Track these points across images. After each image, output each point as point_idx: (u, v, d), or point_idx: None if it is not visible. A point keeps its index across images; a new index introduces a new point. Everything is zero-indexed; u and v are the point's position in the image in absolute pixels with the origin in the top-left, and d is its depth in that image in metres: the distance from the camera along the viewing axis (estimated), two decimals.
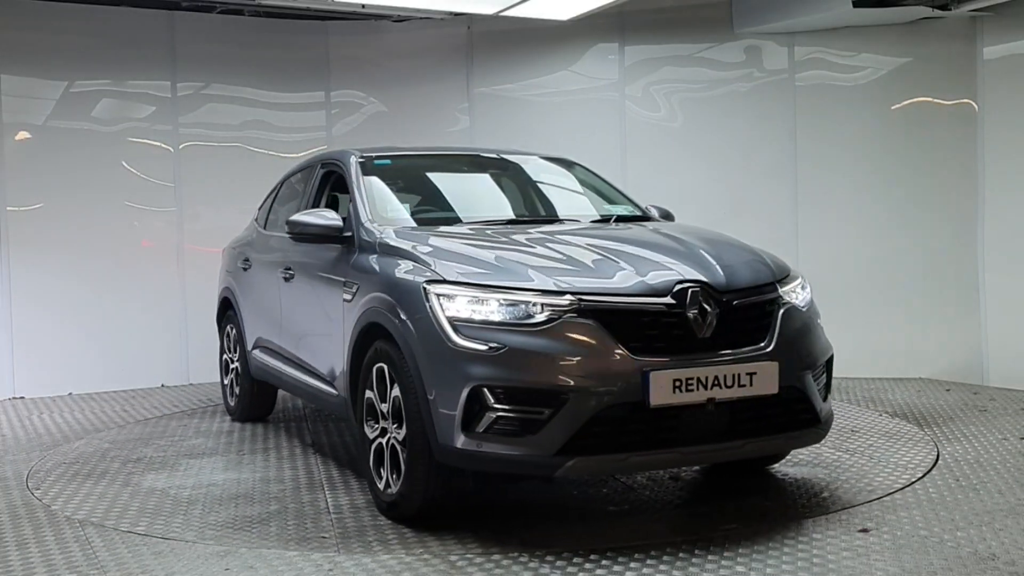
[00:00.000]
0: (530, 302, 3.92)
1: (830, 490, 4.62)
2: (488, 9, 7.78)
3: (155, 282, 8.41)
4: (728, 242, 4.71)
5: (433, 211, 5.36)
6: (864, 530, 4.02)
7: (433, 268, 4.21)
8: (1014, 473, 4.87)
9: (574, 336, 3.85)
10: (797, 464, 5.12)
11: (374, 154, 5.69)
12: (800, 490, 4.65)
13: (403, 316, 4.16)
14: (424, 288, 4.10)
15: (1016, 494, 4.51)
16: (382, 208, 5.13)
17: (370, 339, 4.47)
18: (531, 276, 4.04)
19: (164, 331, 8.43)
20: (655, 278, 4.04)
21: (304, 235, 5.10)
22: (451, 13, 8.51)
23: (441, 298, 4.03)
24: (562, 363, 3.80)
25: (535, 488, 4.82)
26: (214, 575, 3.72)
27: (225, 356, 7.06)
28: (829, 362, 4.46)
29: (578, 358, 3.81)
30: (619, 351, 3.83)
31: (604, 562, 3.71)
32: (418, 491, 4.16)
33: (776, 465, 5.09)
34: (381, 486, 4.39)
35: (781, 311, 4.20)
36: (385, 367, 4.31)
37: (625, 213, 5.46)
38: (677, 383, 3.82)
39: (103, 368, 8.18)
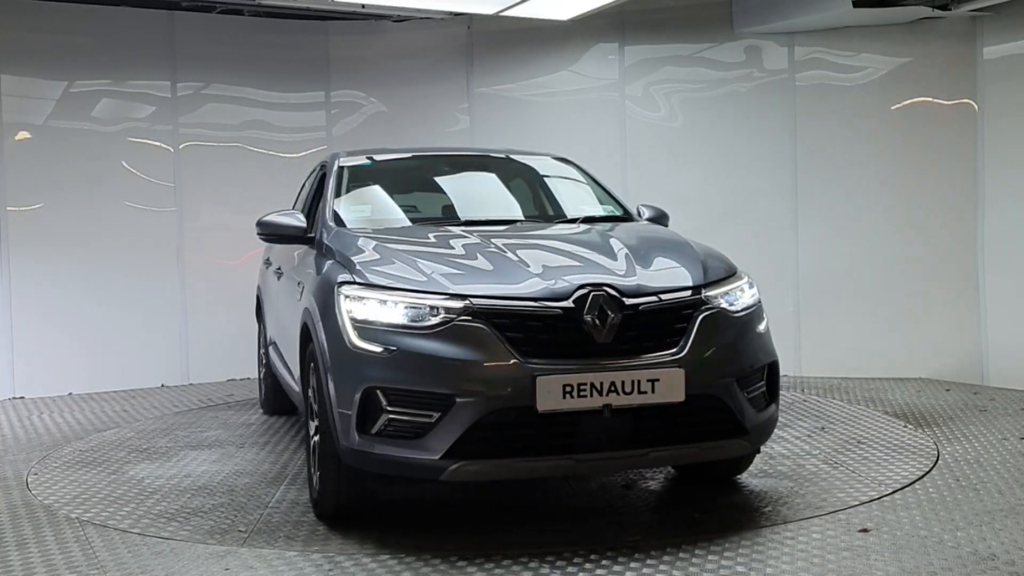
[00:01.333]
0: (425, 305, 3.93)
1: (830, 490, 4.61)
2: (488, 9, 7.78)
3: (155, 282, 8.41)
4: (669, 245, 4.63)
5: (394, 212, 5.36)
6: (864, 530, 4.02)
7: (348, 269, 4.26)
8: (1014, 473, 4.87)
9: (464, 340, 3.83)
10: (797, 463, 5.12)
11: (361, 155, 5.79)
12: (800, 490, 4.65)
13: (319, 316, 4.23)
14: (336, 289, 4.16)
15: (1016, 494, 4.51)
16: (345, 209, 5.18)
17: (307, 339, 4.50)
18: (435, 279, 4.03)
19: (164, 331, 8.43)
20: (559, 282, 3.96)
21: (271, 236, 5.13)
22: (451, 13, 8.50)
23: (348, 299, 4.08)
24: (449, 367, 3.80)
25: (497, 490, 4.82)
26: (214, 575, 3.72)
27: (261, 351, 7.17)
28: (769, 369, 4.28)
29: (466, 362, 3.80)
30: (509, 355, 3.79)
31: (604, 561, 3.71)
32: (330, 490, 4.24)
33: (776, 464, 5.09)
34: (313, 483, 4.48)
35: (701, 316, 4.03)
36: (311, 367, 4.40)
37: (600, 213, 5.37)
38: (568, 388, 3.75)
39: (103, 368, 8.18)
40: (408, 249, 4.42)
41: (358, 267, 4.24)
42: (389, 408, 3.85)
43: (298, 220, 5.06)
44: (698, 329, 4.00)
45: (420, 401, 3.81)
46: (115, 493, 4.95)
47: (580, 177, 5.82)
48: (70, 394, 8.05)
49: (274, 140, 8.93)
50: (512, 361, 3.78)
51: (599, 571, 3.63)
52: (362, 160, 5.77)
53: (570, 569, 3.65)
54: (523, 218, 5.34)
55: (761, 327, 4.33)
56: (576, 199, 5.65)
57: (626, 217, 5.34)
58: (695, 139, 8.36)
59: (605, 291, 3.93)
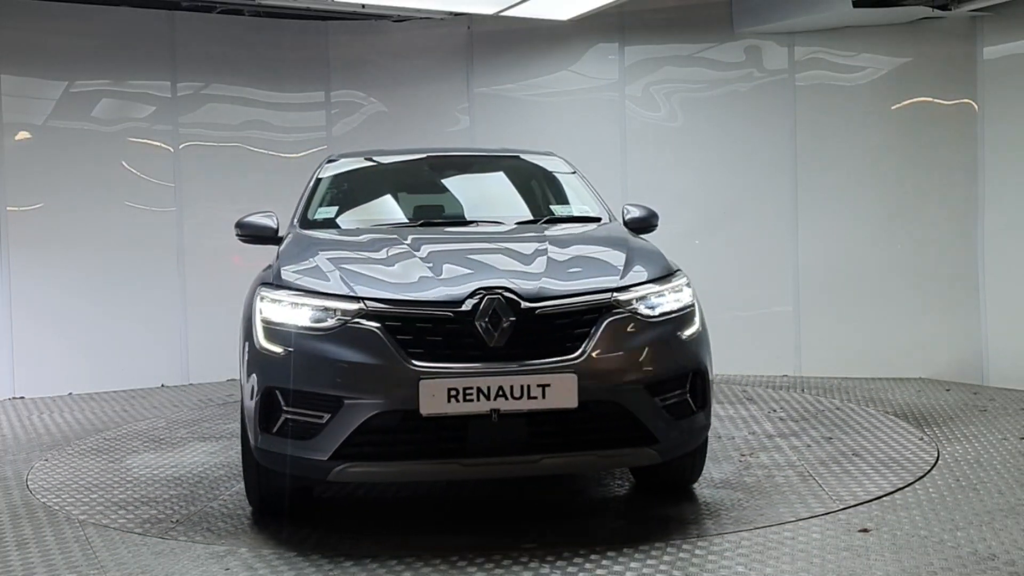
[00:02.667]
0: (323, 307, 3.97)
1: (830, 490, 4.61)
2: (488, 9, 7.78)
3: (155, 282, 8.41)
4: (603, 248, 4.55)
5: (357, 214, 5.39)
6: (864, 530, 4.02)
7: (274, 271, 4.33)
8: (1014, 473, 4.87)
9: (355, 342, 3.85)
10: (797, 463, 5.12)
11: (355, 156, 5.88)
12: (800, 490, 4.65)
13: (244, 317, 4.38)
14: (256, 290, 4.27)
15: (1016, 494, 4.51)
16: (313, 210, 5.27)
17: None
18: (339, 282, 4.05)
19: (164, 331, 8.43)
20: (456, 286, 3.94)
21: (247, 236, 5.18)
22: (451, 13, 8.51)
23: (262, 301, 4.16)
24: (339, 369, 3.84)
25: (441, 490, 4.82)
26: (214, 575, 3.72)
27: None
28: (694, 377, 4.15)
29: (355, 364, 3.82)
30: (397, 358, 3.79)
31: (604, 561, 3.71)
32: (252, 485, 4.38)
33: (777, 464, 5.09)
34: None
35: (607, 321, 3.94)
36: None
37: (572, 213, 5.31)
38: (453, 392, 3.73)
39: (103, 368, 8.18)
40: (336, 252, 4.47)
41: (279, 270, 4.31)
42: (286, 408, 3.91)
43: (271, 221, 5.10)
44: (601, 334, 3.91)
45: (312, 402, 3.85)
46: (115, 493, 4.95)
47: (565, 176, 5.74)
48: (70, 394, 8.05)
49: (274, 140, 8.93)
50: (398, 364, 3.78)
51: (599, 571, 3.63)
52: (349, 161, 5.84)
53: (570, 569, 3.65)
54: (485, 219, 5.21)
55: (688, 332, 4.19)
56: (550, 199, 5.62)
57: (598, 218, 5.23)
58: (695, 139, 8.37)
59: (500, 295, 3.87)
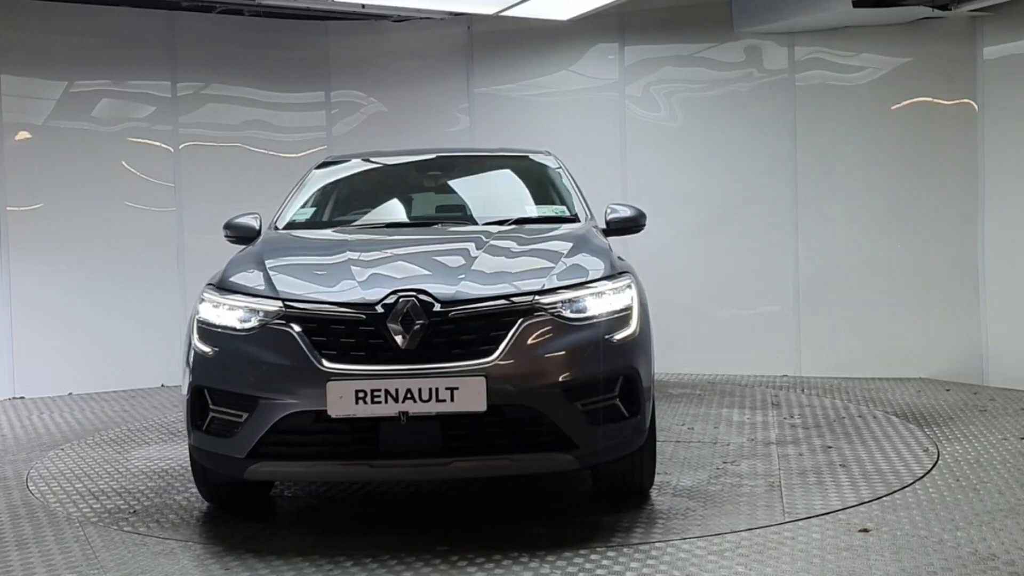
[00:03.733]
0: (249, 308, 4.05)
1: (789, 504, 4.58)
2: (488, 9, 7.78)
3: (155, 282, 8.41)
4: (545, 248, 4.48)
5: (328, 215, 5.44)
6: (864, 530, 4.01)
7: (220, 272, 4.42)
8: (1014, 473, 4.87)
9: (272, 343, 3.92)
10: (774, 473, 5.12)
11: (350, 157, 5.98)
12: (757, 501, 4.65)
13: (190, 317, 4.40)
14: (202, 289, 4.34)
15: (1016, 494, 4.51)
16: (290, 212, 5.37)
17: None
18: (267, 284, 4.12)
19: (164, 331, 8.42)
20: (372, 288, 3.95)
21: (234, 237, 5.26)
22: (451, 13, 8.51)
23: (204, 301, 4.23)
24: (256, 369, 3.91)
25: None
26: (214, 575, 3.72)
27: None
28: (625, 381, 4.05)
29: (270, 365, 3.89)
30: (309, 359, 3.82)
31: (604, 561, 3.71)
32: (199, 479, 4.49)
33: (754, 473, 5.08)
34: None
35: (525, 323, 3.89)
36: None
37: (546, 214, 5.27)
38: (361, 394, 3.74)
39: (103, 368, 8.18)
40: (284, 254, 4.54)
41: (223, 271, 4.40)
42: (212, 407, 4.02)
43: (255, 222, 5.19)
44: (517, 337, 3.87)
45: (232, 401, 3.94)
46: (115, 493, 4.95)
47: (549, 175, 5.69)
48: (70, 394, 8.05)
49: (274, 140, 8.93)
50: (310, 365, 3.81)
51: (599, 571, 3.63)
52: (338, 163, 5.97)
53: (570, 569, 3.65)
54: (454, 221, 5.23)
55: (621, 335, 4.07)
56: (528, 199, 5.59)
57: (574, 218, 5.17)
58: (695, 139, 8.37)
59: (415, 298, 3.87)
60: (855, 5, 6.99)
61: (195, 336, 4.16)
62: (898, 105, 7.75)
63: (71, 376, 8.09)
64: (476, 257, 4.26)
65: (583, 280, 4.15)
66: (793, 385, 7.58)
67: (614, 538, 3.97)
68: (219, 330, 4.07)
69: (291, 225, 5.25)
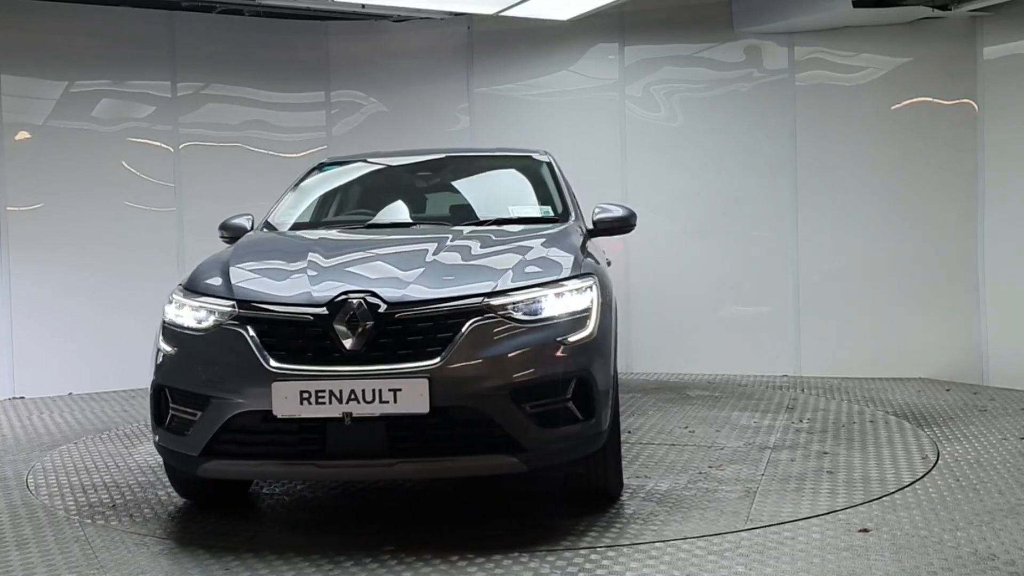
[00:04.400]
0: (207, 308, 4.13)
1: (757, 511, 4.57)
2: (488, 9, 7.79)
3: (155, 282, 8.39)
4: (505, 249, 4.46)
5: (314, 216, 5.50)
6: (864, 530, 4.01)
7: (191, 273, 4.48)
8: (1014, 473, 4.87)
9: (224, 343, 3.99)
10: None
11: (349, 158, 6.11)
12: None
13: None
14: (172, 290, 4.43)
15: (1016, 494, 4.51)
16: (278, 213, 5.46)
17: None
18: (227, 284, 4.19)
19: None
20: (322, 290, 3.99)
21: (227, 237, 5.34)
22: (451, 13, 8.51)
23: (171, 302, 4.32)
24: (208, 368, 3.99)
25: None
26: (214, 575, 3.72)
27: None
28: (577, 385, 3.99)
29: (222, 365, 3.96)
30: (257, 360, 3.87)
31: (604, 561, 3.71)
32: (171, 478, 4.58)
33: (736, 479, 5.05)
34: None
35: (473, 325, 3.87)
36: None
37: (531, 214, 5.26)
38: (305, 395, 3.77)
39: (103, 368, 8.18)
40: (252, 256, 4.58)
41: (192, 272, 4.46)
42: (172, 405, 4.09)
43: (247, 223, 5.32)
44: (464, 339, 3.86)
45: (188, 400, 4.02)
46: (115, 493, 4.95)
47: (539, 175, 5.63)
48: (70, 394, 8.05)
49: (274, 140, 8.93)
50: (257, 365, 3.86)
51: (599, 571, 3.63)
52: (333, 165, 6.06)
53: (570, 569, 3.65)
54: (433, 221, 5.26)
55: (576, 337, 4.01)
56: (513, 199, 5.57)
57: (558, 218, 5.14)
58: (695, 139, 8.37)
59: (362, 299, 3.89)
60: (855, 5, 6.99)
61: (160, 336, 4.25)
62: (898, 105, 7.76)
63: (71, 376, 8.09)
64: (434, 259, 4.27)
65: (540, 281, 4.12)
66: (793, 385, 7.58)
67: (563, 541, 3.94)
68: (179, 330, 4.15)
69: (275, 226, 5.32)
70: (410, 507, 4.62)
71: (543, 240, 4.58)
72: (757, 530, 4.05)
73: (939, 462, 5.11)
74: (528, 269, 4.19)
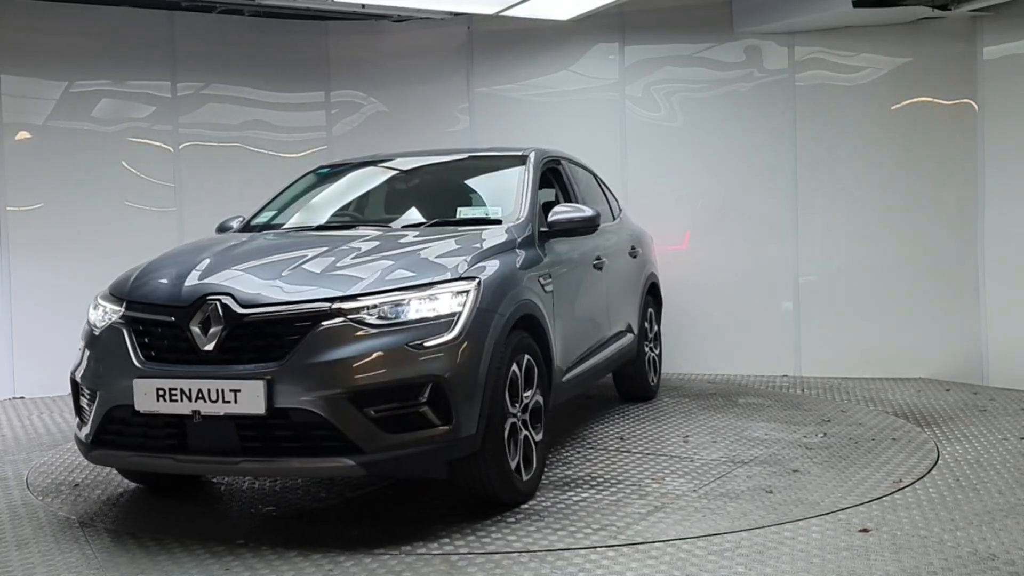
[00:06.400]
0: (106, 308, 4.48)
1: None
2: (488, 9, 7.78)
3: None
4: (392, 253, 4.49)
5: (284, 218, 5.63)
6: (864, 530, 4.02)
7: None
8: (1014, 473, 4.87)
9: (110, 341, 4.32)
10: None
11: (336, 163, 6.30)
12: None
13: None
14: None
15: (1016, 494, 4.51)
16: (261, 215, 5.73)
17: None
18: (126, 284, 4.53)
19: None
20: (186, 291, 4.23)
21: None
22: (451, 13, 8.51)
23: (93, 304, 4.63)
24: (98, 365, 4.36)
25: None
26: (214, 574, 3.72)
27: None
28: (433, 389, 3.99)
29: (106, 361, 4.30)
30: (130, 357, 4.18)
31: (604, 561, 3.71)
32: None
33: (665, 493, 4.80)
34: None
35: (318, 328, 3.95)
36: None
37: (473, 215, 5.29)
38: (161, 392, 4.01)
39: None
40: (179, 257, 4.78)
41: (122, 274, 4.75)
42: (80, 397, 4.47)
43: (236, 224, 5.64)
44: (307, 342, 3.94)
45: (87, 393, 4.39)
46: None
47: (509, 176, 5.57)
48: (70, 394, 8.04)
49: (274, 140, 8.93)
50: (129, 363, 4.16)
51: (599, 571, 3.63)
52: (327, 167, 6.25)
53: (569, 569, 3.66)
54: (376, 224, 5.32)
55: (434, 342, 4.03)
56: (463, 200, 5.62)
57: (500, 220, 5.10)
58: (695, 139, 8.37)
59: (218, 301, 4.08)
60: (855, 5, 6.99)
61: (81, 334, 4.62)
62: (898, 105, 7.76)
63: None
64: (301, 264, 4.38)
65: (402, 286, 4.14)
66: (793, 384, 7.57)
67: (405, 546, 3.95)
68: (90, 329, 4.51)
69: (251, 228, 5.57)
70: (410, 507, 4.62)
71: (449, 243, 4.67)
72: (757, 530, 4.06)
73: (939, 462, 5.12)
74: (397, 274, 4.23)
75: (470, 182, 5.95)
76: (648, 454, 5.44)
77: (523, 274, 4.74)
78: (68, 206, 8.13)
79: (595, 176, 6.97)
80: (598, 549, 3.85)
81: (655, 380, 7.23)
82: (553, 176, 6.02)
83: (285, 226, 5.49)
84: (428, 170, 6.08)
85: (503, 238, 4.84)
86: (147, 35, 8.46)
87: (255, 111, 8.87)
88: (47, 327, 8.04)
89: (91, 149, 8.24)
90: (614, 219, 6.87)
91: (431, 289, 4.16)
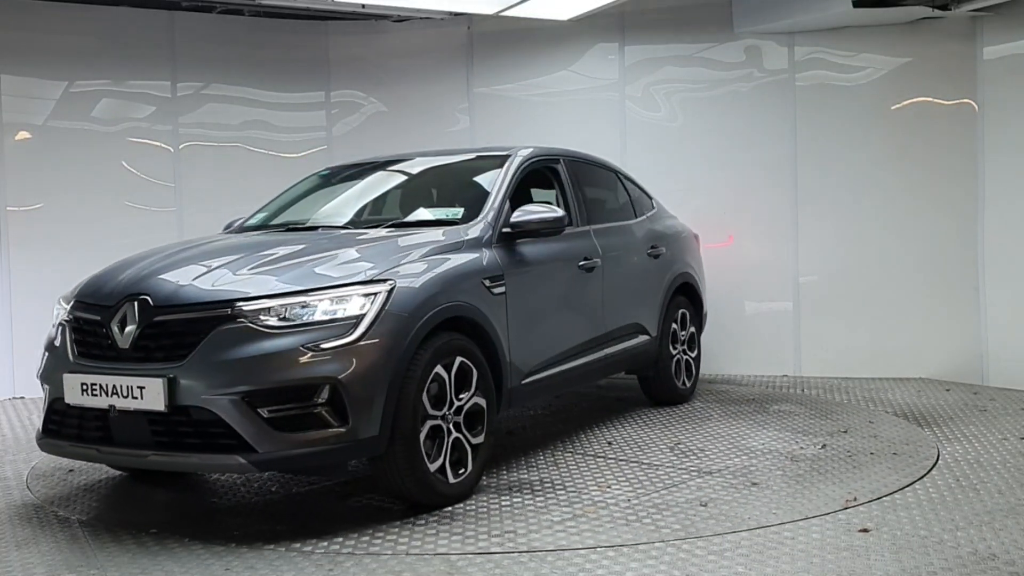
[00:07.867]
0: (60, 307, 4.72)
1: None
2: (488, 9, 7.79)
3: None
4: (323, 256, 4.53)
5: (270, 219, 5.79)
6: (864, 530, 4.02)
7: None
8: (1014, 473, 4.87)
9: (57, 339, 4.60)
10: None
11: (340, 164, 6.43)
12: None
13: None
14: None
15: (1016, 494, 4.51)
16: (258, 213, 5.93)
17: None
18: (84, 283, 4.74)
19: None
20: (116, 291, 4.42)
21: None
22: (451, 13, 8.51)
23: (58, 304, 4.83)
24: (46, 360, 4.63)
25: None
26: (214, 573, 3.72)
27: None
28: (331, 390, 4.03)
29: (51, 358, 4.58)
30: (66, 353, 4.47)
31: (604, 561, 3.71)
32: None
33: (649, 495, 4.73)
34: None
35: (217, 330, 4.08)
36: None
37: (434, 216, 5.32)
38: (84, 387, 4.27)
39: None
40: (142, 257, 4.85)
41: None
42: (42, 389, 4.65)
43: (231, 222, 5.90)
44: (207, 342, 4.09)
45: (42, 387, 4.61)
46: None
47: (485, 176, 5.56)
48: None
49: (274, 140, 8.93)
50: (65, 358, 4.45)
51: (599, 571, 3.63)
52: (326, 168, 6.39)
53: (569, 569, 3.66)
54: (338, 226, 5.39)
55: (333, 344, 4.07)
56: (430, 201, 5.68)
57: (458, 221, 5.12)
58: (695, 139, 8.37)
59: (136, 301, 4.29)
60: (855, 5, 6.99)
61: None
62: (898, 105, 7.76)
63: None
64: (237, 262, 4.50)
65: (312, 287, 4.22)
66: (793, 384, 7.57)
67: (300, 545, 3.99)
68: (51, 327, 4.73)
69: (241, 228, 5.73)
70: (409, 506, 4.62)
71: (380, 245, 4.73)
72: (757, 530, 4.06)
73: (939, 462, 5.12)
74: (313, 276, 4.31)
75: (445, 184, 5.95)
76: (622, 460, 5.29)
77: (460, 276, 4.70)
78: (68, 206, 8.14)
79: (617, 173, 6.93)
80: (598, 549, 3.85)
81: (688, 384, 7.02)
82: (552, 176, 6.01)
83: (258, 228, 5.64)
84: (408, 172, 6.08)
85: (442, 240, 4.83)
86: (147, 35, 8.46)
87: (255, 111, 8.87)
88: (47, 327, 8.03)
89: (91, 149, 8.24)
90: (636, 217, 6.78)
91: (339, 291, 4.23)
